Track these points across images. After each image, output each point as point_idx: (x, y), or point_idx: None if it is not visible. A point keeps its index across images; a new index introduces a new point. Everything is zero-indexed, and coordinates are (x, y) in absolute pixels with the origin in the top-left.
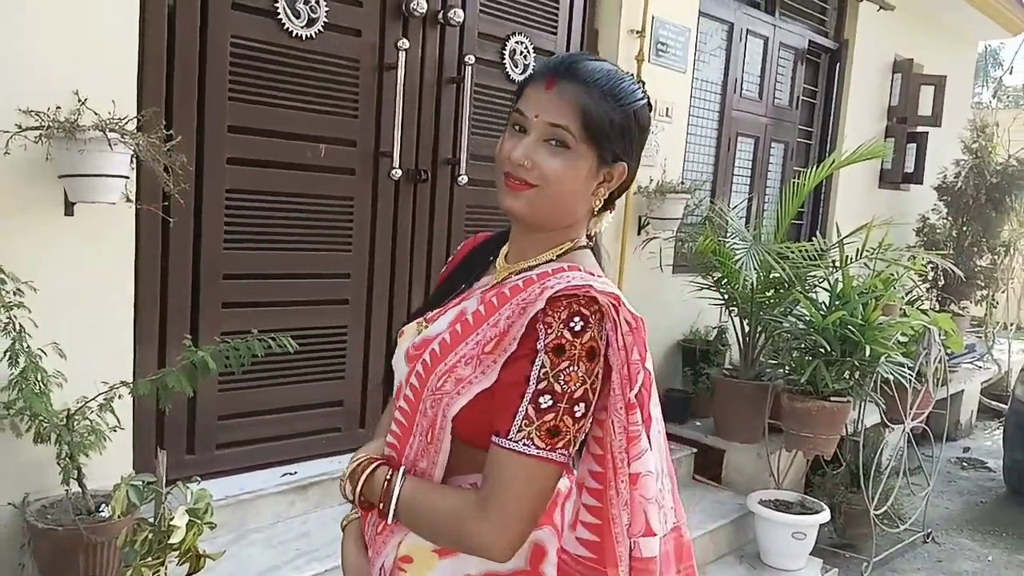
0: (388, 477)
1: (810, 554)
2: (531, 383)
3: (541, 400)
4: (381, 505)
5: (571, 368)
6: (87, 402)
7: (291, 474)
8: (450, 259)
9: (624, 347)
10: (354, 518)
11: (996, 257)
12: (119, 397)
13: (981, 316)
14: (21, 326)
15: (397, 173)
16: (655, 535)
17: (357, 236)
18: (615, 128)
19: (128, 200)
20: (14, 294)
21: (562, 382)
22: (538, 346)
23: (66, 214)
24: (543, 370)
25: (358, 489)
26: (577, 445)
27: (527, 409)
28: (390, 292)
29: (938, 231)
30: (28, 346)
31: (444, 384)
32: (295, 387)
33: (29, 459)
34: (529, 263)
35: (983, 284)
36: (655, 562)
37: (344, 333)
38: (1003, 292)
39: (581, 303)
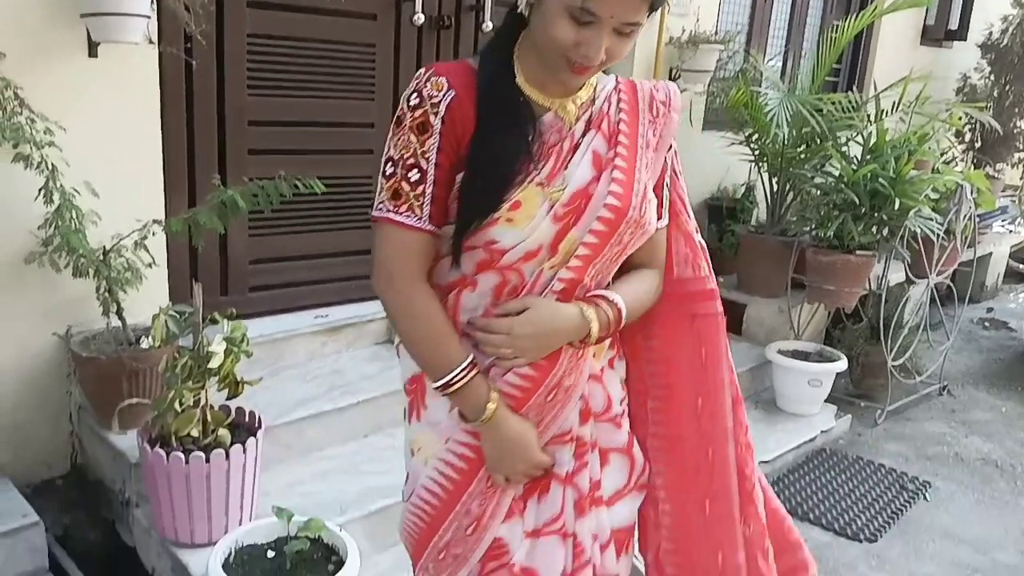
0: (615, 304)
1: (828, 403)
2: (668, 173)
3: (667, 182)
4: (620, 319)
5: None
6: (122, 239)
7: (323, 317)
8: (447, 103)
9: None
10: (500, 401)
11: None
12: (152, 235)
13: (1016, 182)
14: (53, 165)
15: (420, 18)
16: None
17: (380, 84)
18: None
19: (151, 42)
20: (44, 133)
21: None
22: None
23: (90, 55)
24: (671, 161)
25: (610, 321)
26: None
27: (666, 192)
28: None
29: (979, 90)
30: (61, 185)
31: (644, 208)
32: (323, 234)
33: (70, 294)
34: (592, 85)
35: (1021, 147)
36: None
37: (369, 184)
38: None
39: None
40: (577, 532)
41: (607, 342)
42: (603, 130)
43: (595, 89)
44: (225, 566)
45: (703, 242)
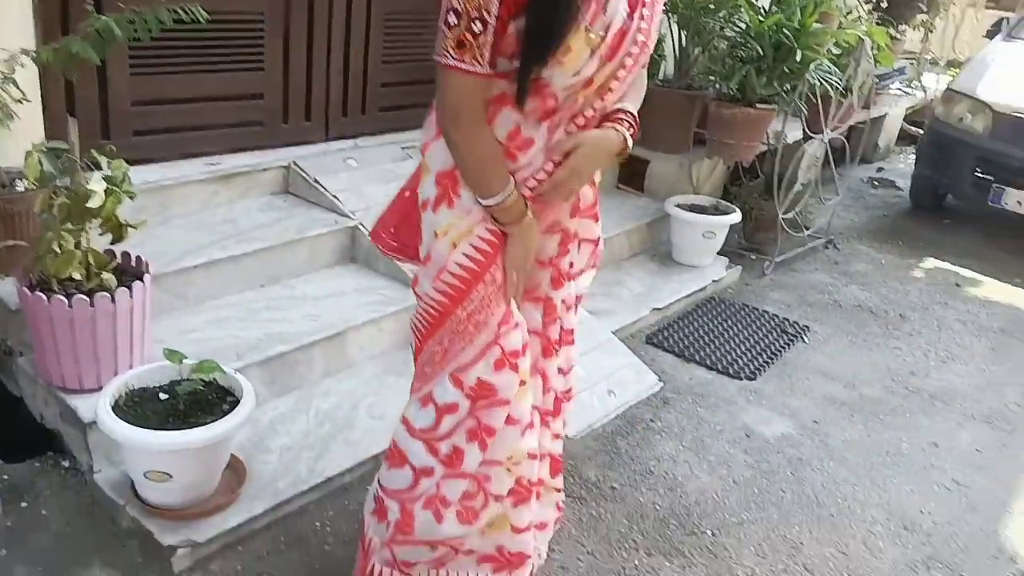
0: (632, 115)
1: (721, 255)
2: None
3: None
4: (638, 130)
5: None
6: None
7: (214, 164)
8: None
9: None
10: (531, 214)
11: None
12: (22, 66)
13: (916, 49)
14: None
15: None
16: None
17: None
18: None
19: None
20: None
21: None
22: None
23: None
24: None
25: (634, 130)
26: None
27: None
28: None
29: None
30: None
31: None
32: (212, 76)
33: None
34: None
35: (924, 8)
36: None
37: (261, 19)
38: (942, 18)
39: None
40: (553, 298)
41: None
42: None
43: None
44: (115, 408)
45: None
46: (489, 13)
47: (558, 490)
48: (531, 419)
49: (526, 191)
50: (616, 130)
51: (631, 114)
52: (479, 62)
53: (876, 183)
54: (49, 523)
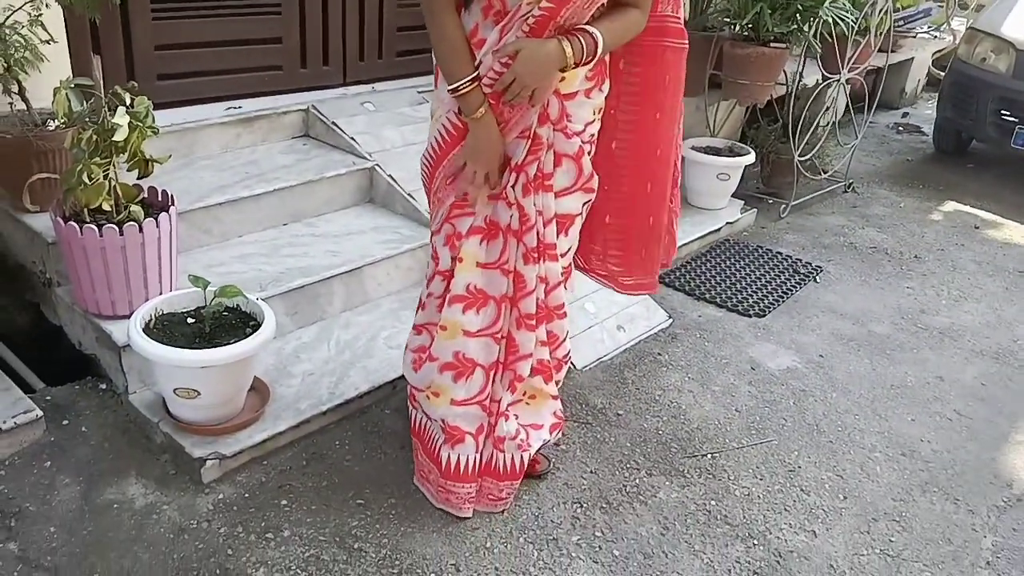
0: (591, 35)
1: (736, 199)
2: None
3: None
4: (595, 50)
5: None
6: (14, 11)
7: (236, 108)
8: None
9: None
10: (486, 110)
11: None
12: (47, 7)
13: None
14: None
15: None
16: None
17: None
18: None
19: None
20: None
21: None
22: None
23: None
24: None
25: (584, 51)
26: None
27: None
28: None
29: None
30: None
31: None
32: (231, 20)
33: None
34: None
35: None
36: None
37: None
38: None
39: None
40: (523, 205)
41: (582, 73)
42: None
43: None
44: (146, 330)
45: None
46: None
47: (554, 397)
48: (473, 299)
49: (486, 89)
50: (559, 42)
51: (591, 36)
52: None
53: (901, 128)
54: (89, 439)
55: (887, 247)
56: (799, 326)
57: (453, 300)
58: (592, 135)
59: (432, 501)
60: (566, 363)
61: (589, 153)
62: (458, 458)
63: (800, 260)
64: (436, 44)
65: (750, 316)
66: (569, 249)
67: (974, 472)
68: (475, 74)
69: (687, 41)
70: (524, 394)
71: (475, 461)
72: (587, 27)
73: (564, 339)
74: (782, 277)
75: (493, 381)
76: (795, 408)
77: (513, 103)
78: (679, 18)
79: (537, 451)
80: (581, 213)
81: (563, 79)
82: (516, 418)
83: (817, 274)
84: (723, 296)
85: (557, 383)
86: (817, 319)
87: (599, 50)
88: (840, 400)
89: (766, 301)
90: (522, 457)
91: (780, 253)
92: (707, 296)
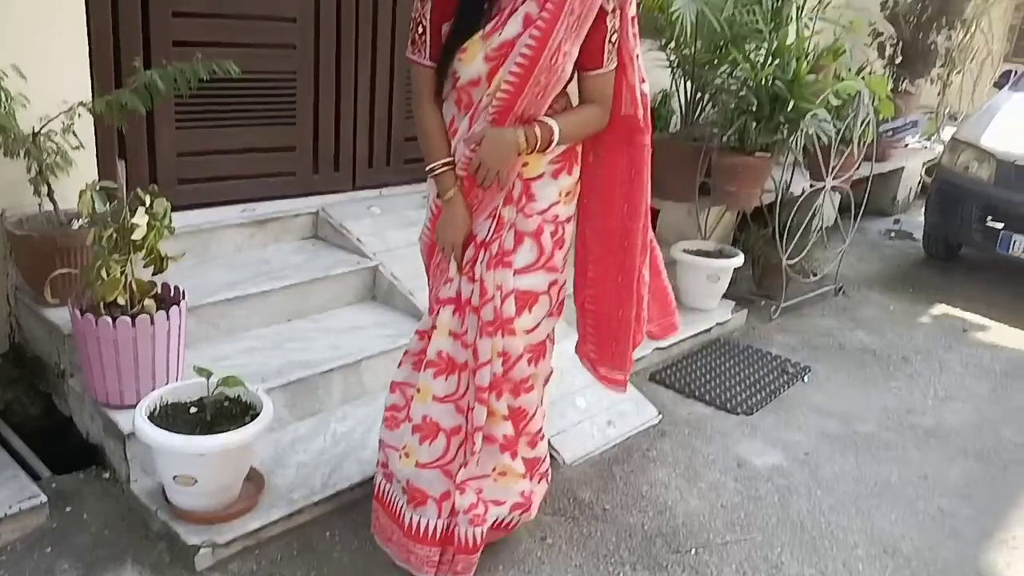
0: (547, 126)
1: (728, 299)
2: (608, 34)
3: (612, 40)
4: (551, 138)
5: (618, 14)
6: (50, 120)
7: (250, 210)
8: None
9: None
10: (455, 192)
11: (952, 33)
12: (79, 117)
13: (933, 102)
14: None
15: None
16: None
17: None
18: None
19: None
20: None
21: (617, 24)
22: (607, 10)
23: None
24: (611, 24)
25: (538, 139)
26: None
27: (607, 48)
28: (337, 40)
29: (900, 4)
30: None
31: (556, 60)
32: (249, 130)
33: (3, 178)
34: None
35: (941, 63)
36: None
37: (293, 79)
38: (959, 72)
39: None
40: (484, 280)
41: (546, 158)
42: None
43: None
44: (150, 418)
45: (646, 92)
46: (426, 19)
47: (524, 476)
48: (442, 365)
49: (460, 172)
50: (515, 130)
51: (547, 126)
52: (422, 54)
53: (892, 235)
54: (89, 526)
55: (876, 348)
56: (786, 424)
57: (427, 365)
58: (557, 216)
59: (394, 559)
60: (541, 438)
61: (555, 234)
62: (419, 520)
63: (789, 360)
64: (418, 131)
65: (738, 414)
66: (536, 327)
67: (956, 570)
68: (449, 159)
69: (649, 140)
70: (494, 470)
71: (436, 527)
72: (545, 118)
73: (534, 414)
74: (771, 376)
75: (458, 449)
76: (780, 505)
77: (484, 185)
78: (639, 119)
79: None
80: (548, 293)
81: (527, 164)
82: (479, 493)
83: (806, 374)
84: (712, 394)
85: (539, 463)
86: (804, 418)
87: (555, 139)
88: (825, 497)
89: (755, 400)
90: (475, 532)
91: (770, 353)
92: (697, 394)
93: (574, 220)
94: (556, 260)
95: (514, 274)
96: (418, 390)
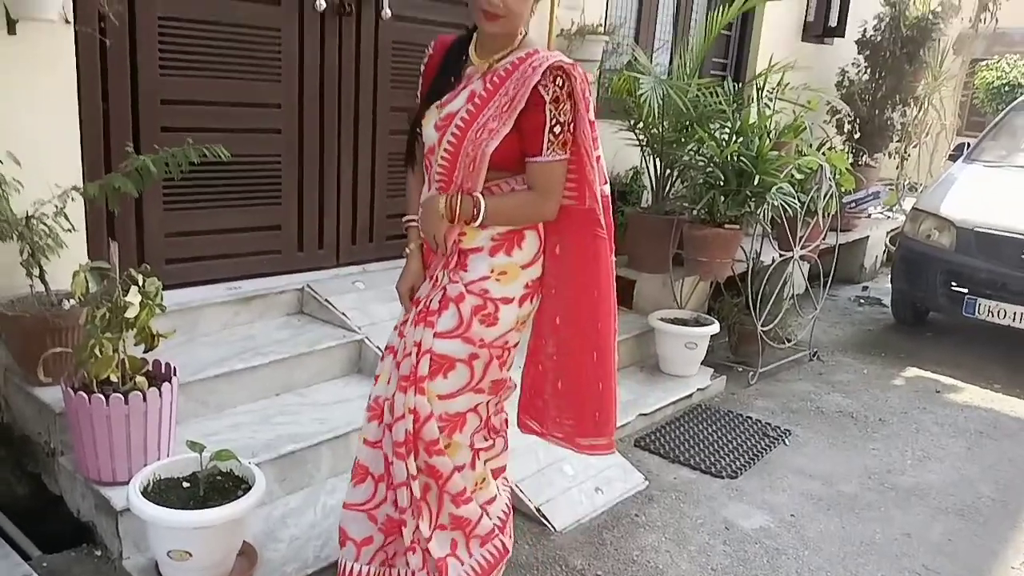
0: (475, 200)
1: (707, 366)
2: (547, 122)
3: (556, 130)
4: (474, 213)
5: (565, 106)
6: (43, 204)
7: (235, 288)
8: (428, 59)
9: (584, 91)
10: (415, 247)
11: (907, 109)
12: (71, 200)
13: (892, 174)
14: None
15: (322, 5)
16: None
17: (286, 67)
18: None
19: (67, 21)
20: None
21: (562, 116)
22: (546, 99)
23: (9, 32)
24: (552, 113)
25: (457, 209)
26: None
27: (548, 137)
28: (320, 124)
29: (855, 84)
30: None
31: (481, 134)
32: (235, 210)
33: None
34: (502, 54)
35: (898, 138)
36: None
37: (278, 161)
38: (915, 146)
39: (559, 69)
40: (407, 334)
41: (486, 233)
42: (486, 79)
43: (510, 54)
44: (144, 494)
45: (607, 193)
46: (419, 91)
47: (440, 527)
48: (377, 409)
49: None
50: (440, 197)
51: (474, 199)
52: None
53: (862, 301)
54: None
55: (853, 411)
56: (771, 487)
57: (367, 408)
58: (487, 291)
59: None
60: (466, 501)
61: (480, 308)
62: (344, 562)
63: (770, 424)
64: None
65: (723, 478)
66: (451, 397)
67: None
68: (414, 216)
69: (607, 236)
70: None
71: (360, 571)
72: (478, 194)
73: (451, 476)
74: (753, 440)
75: (386, 497)
76: (768, 566)
77: (432, 247)
78: (599, 216)
79: None
80: (468, 364)
81: (464, 234)
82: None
83: (786, 437)
84: (697, 459)
85: (470, 524)
86: (788, 480)
87: (480, 213)
88: (812, 558)
89: (738, 463)
90: None
91: (750, 417)
92: (682, 459)
93: (520, 306)
94: (475, 332)
95: (434, 336)
96: (360, 433)
